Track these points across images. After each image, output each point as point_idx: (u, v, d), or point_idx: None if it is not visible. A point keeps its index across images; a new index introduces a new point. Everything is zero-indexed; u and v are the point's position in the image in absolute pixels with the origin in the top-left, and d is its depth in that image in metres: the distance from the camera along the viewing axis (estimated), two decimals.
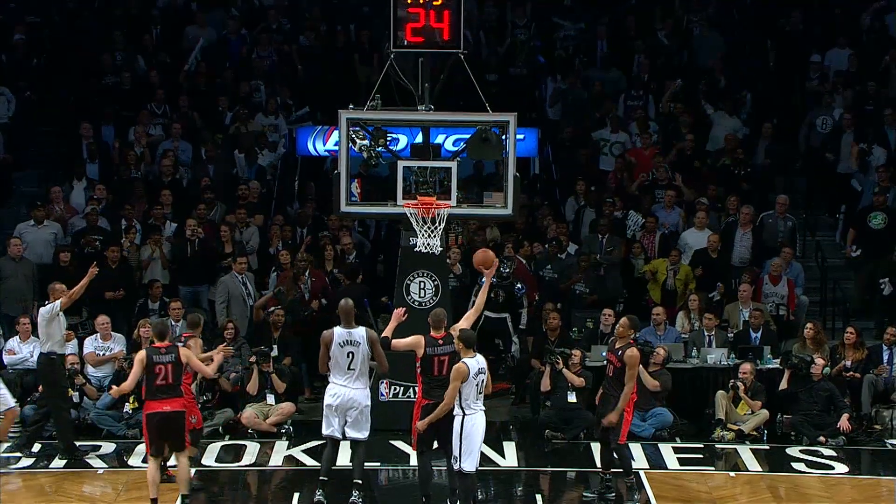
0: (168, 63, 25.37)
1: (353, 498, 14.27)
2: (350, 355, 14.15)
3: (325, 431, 14.41)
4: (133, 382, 14.04)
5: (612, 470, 15.02)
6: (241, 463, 16.55)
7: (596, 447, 15.89)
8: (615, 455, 14.85)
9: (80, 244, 20.96)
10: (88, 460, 16.30)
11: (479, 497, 14.15)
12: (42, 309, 16.53)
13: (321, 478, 14.39)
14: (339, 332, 14.25)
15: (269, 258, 21.25)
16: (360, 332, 14.24)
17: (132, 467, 15.99)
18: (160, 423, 13.94)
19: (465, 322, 14.16)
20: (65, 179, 22.78)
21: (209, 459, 16.59)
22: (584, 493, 15.31)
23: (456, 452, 13.57)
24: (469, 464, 13.63)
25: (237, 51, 25.80)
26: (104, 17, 26.07)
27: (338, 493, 14.44)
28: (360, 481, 14.35)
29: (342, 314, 14.35)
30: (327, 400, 14.32)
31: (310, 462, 16.14)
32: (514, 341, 19.99)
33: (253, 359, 17.91)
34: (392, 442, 16.96)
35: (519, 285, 20.04)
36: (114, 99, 24.49)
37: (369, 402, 14.42)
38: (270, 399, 17.78)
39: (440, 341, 14.00)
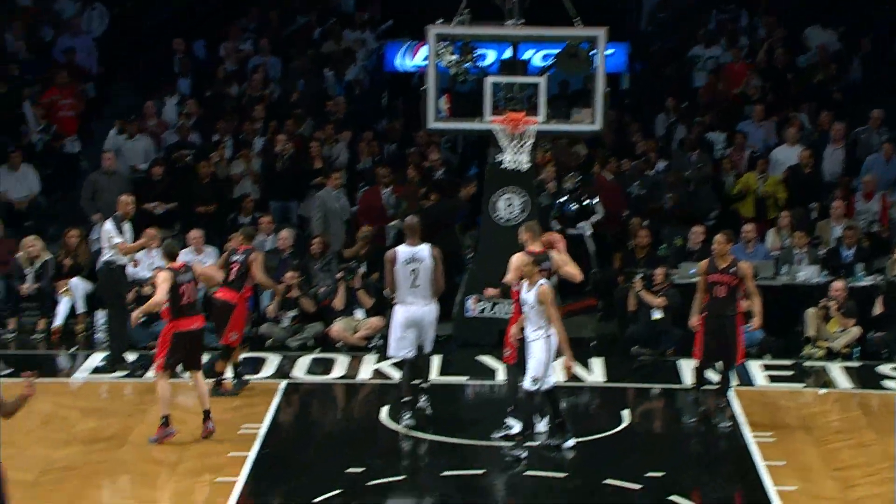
0: None
1: (420, 403, 14.42)
2: (413, 272, 14.11)
3: (397, 352, 14.36)
4: (164, 297, 13.67)
5: (704, 388, 14.93)
6: (331, 376, 16.76)
7: (685, 364, 15.84)
8: (722, 375, 14.56)
9: (171, 158, 21.20)
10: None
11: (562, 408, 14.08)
12: (108, 225, 16.70)
13: (405, 398, 14.30)
14: (402, 250, 14.20)
15: (357, 174, 21.32)
16: (425, 249, 14.17)
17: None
18: (190, 341, 13.89)
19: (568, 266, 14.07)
20: (157, 94, 22.98)
21: (299, 372, 16.85)
22: (681, 411, 15.27)
23: (538, 373, 13.22)
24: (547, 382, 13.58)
25: None
26: None
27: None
28: (427, 384, 14.51)
29: (407, 230, 14.32)
30: (397, 318, 14.26)
31: (397, 375, 16.28)
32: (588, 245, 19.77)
33: (340, 275, 18.06)
34: (479, 358, 17.07)
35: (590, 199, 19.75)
36: (205, 14, 24.60)
37: (435, 318, 14.35)
38: (359, 314, 17.95)
39: (542, 256, 13.80)
